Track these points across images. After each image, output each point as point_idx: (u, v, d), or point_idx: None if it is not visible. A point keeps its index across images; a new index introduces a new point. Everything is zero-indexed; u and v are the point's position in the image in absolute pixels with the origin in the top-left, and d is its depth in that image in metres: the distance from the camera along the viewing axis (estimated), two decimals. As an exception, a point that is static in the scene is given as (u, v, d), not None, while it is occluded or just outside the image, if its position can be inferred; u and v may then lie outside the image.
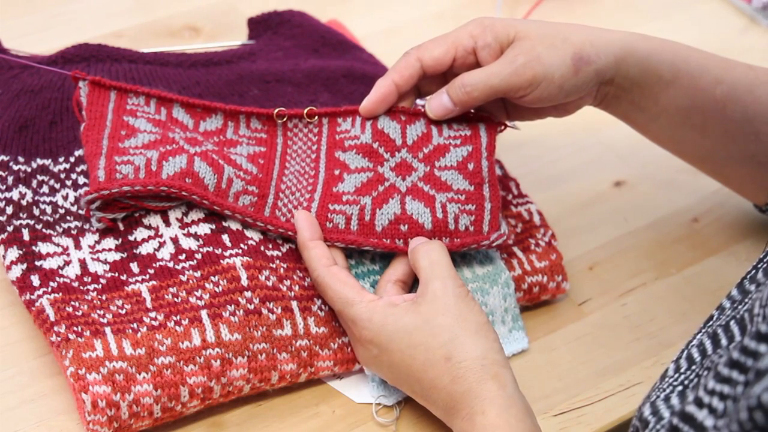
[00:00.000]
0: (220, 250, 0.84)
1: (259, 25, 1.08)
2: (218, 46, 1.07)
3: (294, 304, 0.83)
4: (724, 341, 0.68)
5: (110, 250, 0.84)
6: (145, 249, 0.84)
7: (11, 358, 0.82)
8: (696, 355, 0.70)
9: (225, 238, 0.85)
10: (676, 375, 0.70)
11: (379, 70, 1.03)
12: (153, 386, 0.76)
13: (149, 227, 0.85)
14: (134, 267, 0.83)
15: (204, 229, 0.85)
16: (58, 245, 0.84)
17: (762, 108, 0.89)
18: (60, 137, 0.91)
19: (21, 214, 0.85)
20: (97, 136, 0.87)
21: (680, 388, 0.68)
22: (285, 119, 0.91)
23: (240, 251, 0.84)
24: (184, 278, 0.82)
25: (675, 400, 0.67)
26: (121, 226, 0.85)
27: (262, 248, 0.85)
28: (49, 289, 0.81)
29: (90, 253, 0.84)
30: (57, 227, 0.85)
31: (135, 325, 0.79)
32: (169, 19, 1.16)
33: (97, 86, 0.89)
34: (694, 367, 0.69)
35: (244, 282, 0.82)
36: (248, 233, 0.86)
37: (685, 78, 0.88)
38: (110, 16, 1.16)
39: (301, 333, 0.82)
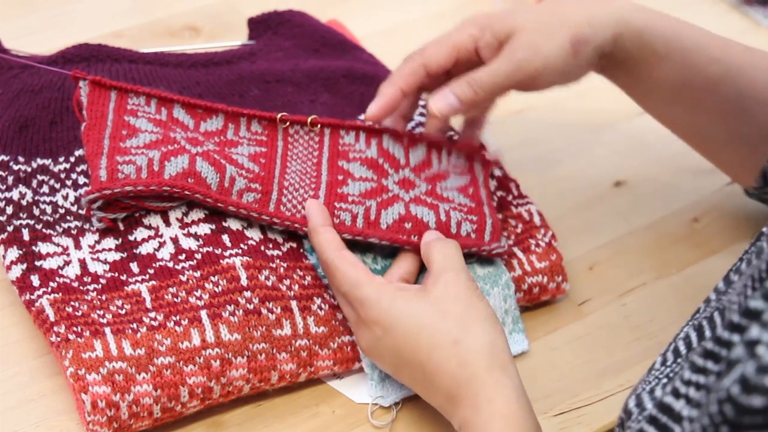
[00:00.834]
0: (220, 250, 0.84)
1: (259, 25, 1.08)
2: (218, 46, 1.07)
3: (293, 303, 0.83)
4: (708, 333, 0.68)
5: (110, 250, 0.84)
6: (145, 249, 0.84)
7: (11, 358, 0.82)
8: (682, 347, 0.70)
9: (225, 238, 0.85)
10: (662, 368, 0.70)
11: (379, 71, 1.03)
12: (153, 386, 0.76)
13: (149, 227, 0.85)
14: (134, 267, 0.83)
15: (204, 229, 0.85)
16: (58, 245, 0.84)
17: (757, 90, 0.88)
18: (60, 137, 0.91)
19: (21, 214, 0.85)
20: (98, 135, 0.87)
21: (665, 380, 0.68)
22: (287, 124, 0.91)
23: (240, 251, 0.84)
24: (183, 278, 0.82)
25: (659, 392, 0.67)
26: (121, 226, 0.85)
27: (262, 248, 0.85)
28: (49, 289, 0.80)
29: (90, 253, 0.84)
30: (57, 227, 0.85)
31: (135, 326, 0.79)
32: (169, 19, 1.15)
33: (98, 86, 0.89)
34: (679, 360, 0.69)
35: (244, 282, 0.82)
36: (248, 233, 0.86)
37: (678, 54, 0.88)
38: (110, 16, 1.16)
39: (300, 333, 0.82)
